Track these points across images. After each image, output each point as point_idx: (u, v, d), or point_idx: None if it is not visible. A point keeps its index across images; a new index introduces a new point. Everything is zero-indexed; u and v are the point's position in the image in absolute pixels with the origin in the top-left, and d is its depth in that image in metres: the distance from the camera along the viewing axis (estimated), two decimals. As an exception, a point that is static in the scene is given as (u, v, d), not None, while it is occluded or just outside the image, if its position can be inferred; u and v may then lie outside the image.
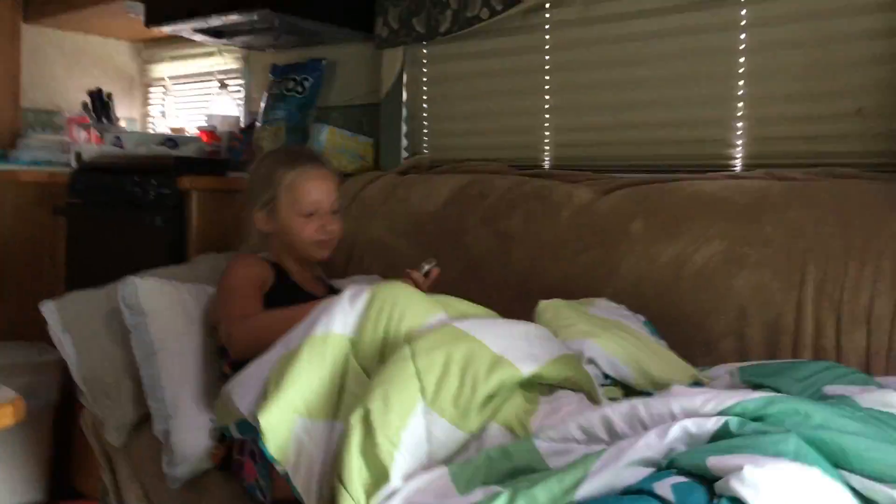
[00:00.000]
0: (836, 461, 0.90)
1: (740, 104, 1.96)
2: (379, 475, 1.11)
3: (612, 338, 1.48)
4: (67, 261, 2.74)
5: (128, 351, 1.91)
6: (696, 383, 1.47)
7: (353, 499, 1.10)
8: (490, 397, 1.22)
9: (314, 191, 1.82)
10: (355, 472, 1.11)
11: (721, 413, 0.97)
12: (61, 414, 2.79)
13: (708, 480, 0.88)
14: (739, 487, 0.82)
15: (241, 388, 1.41)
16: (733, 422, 0.94)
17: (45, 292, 2.91)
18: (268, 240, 1.88)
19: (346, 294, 1.41)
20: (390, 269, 2.28)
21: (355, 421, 1.15)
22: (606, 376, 1.45)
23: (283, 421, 1.27)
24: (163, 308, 1.80)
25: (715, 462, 0.87)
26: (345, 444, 1.13)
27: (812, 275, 1.57)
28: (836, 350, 1.51)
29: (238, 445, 1.60)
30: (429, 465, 1.15)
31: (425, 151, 2.66)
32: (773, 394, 1.01)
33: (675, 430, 0.95)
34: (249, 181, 1.90)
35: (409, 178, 2.46)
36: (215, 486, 1.66)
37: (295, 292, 1.81)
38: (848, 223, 1.58)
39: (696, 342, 1.63)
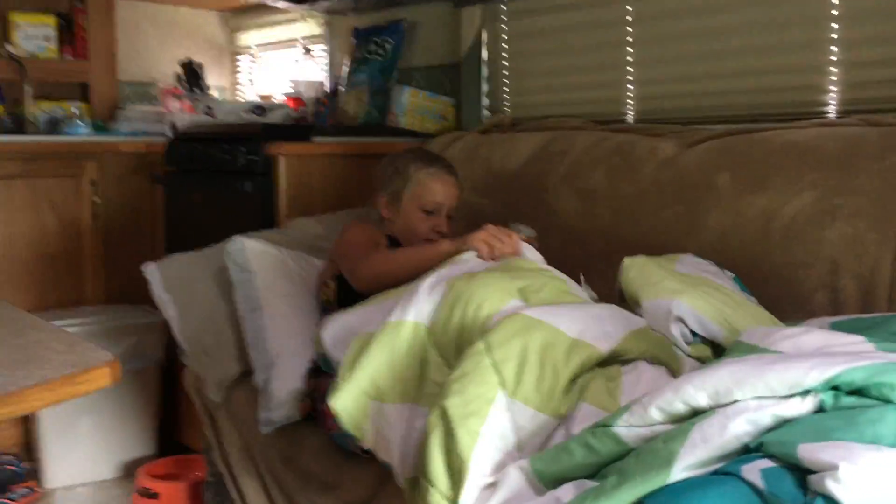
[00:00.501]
0: None
1: (833, 48, 1.87)
2: (461, 470, 1.12)
3: (701, 295, 1.46)
4: (166, 226, 2.85)
5: (227, 309, 2.01)
6: None
7: (440, 493, 1.12)
8: (573, 380, 1.24)
9: (440, 192, 1.92)
10: (440, 468, 1.13)
11: (827, 383, 0.92)
12: (167, 373, 2.93)
13: (798, 467, 0.85)
14: (835, 488, 0.79)
15: (329, 324, 1.51)
16: (828, 402, 0.90)
17: (147, 256, 3.05)
18: (383, 224, 1.97)
19: (425, 283, 1.45)
20: (473, 227, 2.28)
21: (435, 419, 1.17)
22: (694, 334, 1.44)
23: (357, 405, 1.34)
24: (267, 268, 1.91)
25: (806, 454, 0.84)
26: (427, 443, 1.16)
27: (910, 225, 1.51)
28: (935, 302, 1.45)
29: (322, 398, 1.67)
30: (518, 454, 1.16)
31: (506, 110, 2.65)
32: (876, 360, 0.93)
33: (764, 417, 0.91)
34: (382, 169, 2.00)
35: (490, 138, 2.46)
36: (306, 436, 1.74)
37: None
38: (950, 169, 1.51)
39: (787, 297, 1.59)
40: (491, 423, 1.16)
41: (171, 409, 2.96)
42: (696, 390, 0.98)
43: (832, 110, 1.89)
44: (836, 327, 1.34)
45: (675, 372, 1.34)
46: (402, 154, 2.01)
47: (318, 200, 2.39)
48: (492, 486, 1.10)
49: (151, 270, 2.10)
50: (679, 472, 0.90)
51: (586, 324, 1.32)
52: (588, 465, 1.04)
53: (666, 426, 1.00)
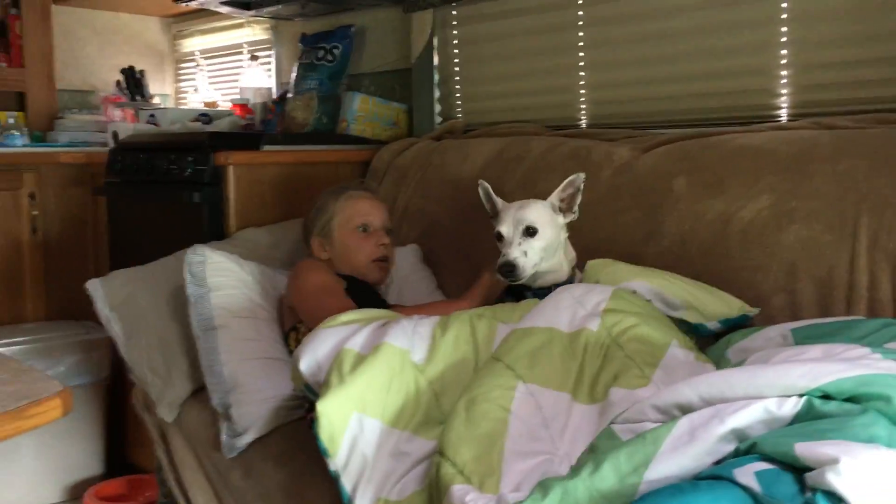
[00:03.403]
0: None
1: (784, 51, 1.89)
2: (492, 441, 1.14)
3: (663, 277, 1.57)
4: (110, 239, 2.76)
5: (177, 327, 1.94)
6: (745, 315, 1.53)
7: (453, 465, 1.11)
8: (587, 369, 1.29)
9: (365, 207, 1.93)
10: (462, 444, 1.13)
11: (817, 389, 0.92)
12: (114, 390, 2.84)
13: (794, 468, 0.83)
14: (836, 481, 0.78)
15: (308, 352, 1.43)
16: (817, 400, 0.90)
17: (90, 271, 2.97)
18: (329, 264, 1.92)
19: (424, 322, 1.45)
20: (428, 236, 2.27)
21: (461, 405, 1.21)
22: None
23: (341, 412, 1.28)
24: (226, 286, 1.84)
25: (804, 450, 0.82)
26: (450, 422, 1.18)
27: (865, 226, 1.52)
28: (892, 303, 1.47)
29: None
30: (546, 436, 1.18)
31: (459, 116, 2.62)
32: (869, 371, 0.94)
33: (755, 411, 0.91)
34: (306, 219, 1.99)
35: (443, 144, 2.44)
36: (269, 447, 1.68)
37: (370, 293, 1.86)
38: (902, 171, 1.53)
39: (746, 300, 1.59)
40: (518, 401, 1.23)
41: (119, 427, 2.88)
42: (691, 390, 0.99)
43: (784, 114, 1.90)
44: (797, 333, 1.35)
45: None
46: (319, 197, 2.00)
47: (269, 210, 2.33)
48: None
49: (95, 287, 2.02)
50: (664, 457, 0.90)
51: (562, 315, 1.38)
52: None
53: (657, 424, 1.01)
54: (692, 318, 1.51)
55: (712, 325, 1.52)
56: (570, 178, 1.68)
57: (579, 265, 1.73)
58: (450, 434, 1.16)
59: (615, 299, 1.42)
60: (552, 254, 1.66)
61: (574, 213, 1.70)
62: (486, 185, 1.74)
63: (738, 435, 0.92)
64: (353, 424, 1.28)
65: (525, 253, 1.60)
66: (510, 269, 1.58)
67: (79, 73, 3.64)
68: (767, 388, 0.94)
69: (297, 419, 1.70)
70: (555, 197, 1.69)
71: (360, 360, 1.34)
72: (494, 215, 1.72)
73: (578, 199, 1.69)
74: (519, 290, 1.68)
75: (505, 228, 1.63)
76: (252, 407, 1.69)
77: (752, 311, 1.56)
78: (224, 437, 1.72)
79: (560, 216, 1.69)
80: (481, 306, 1.61)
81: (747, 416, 0.92)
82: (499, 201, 1.72)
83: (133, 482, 2.57)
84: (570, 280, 1.69)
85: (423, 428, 1.29)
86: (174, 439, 1.98)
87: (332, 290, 1.75)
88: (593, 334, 1.33)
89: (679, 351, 1.33)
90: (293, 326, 1.82)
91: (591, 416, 1.20)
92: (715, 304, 1.54)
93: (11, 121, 3.18)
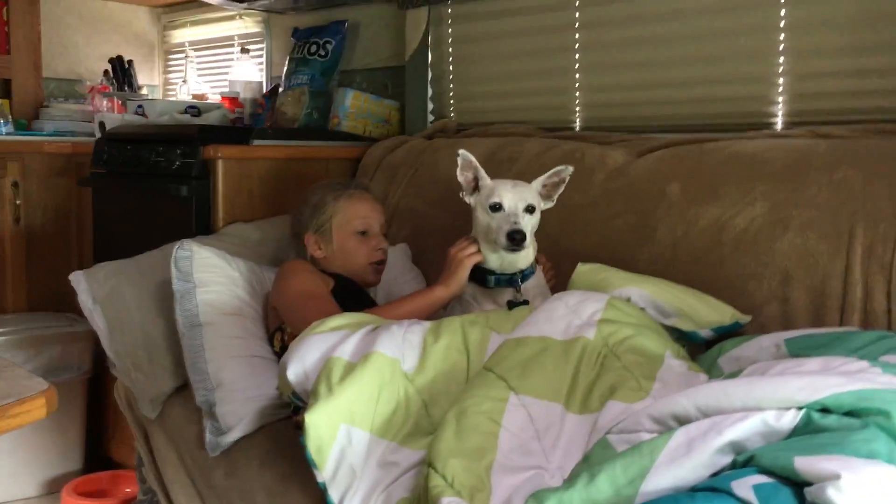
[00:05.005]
0: None
1: (781, 59, 1.88)
2: (482, 455, 1.12)
3: (655, 283, 1.56)
4: (94, 231, 2.72)
5: (162, 321, 1.91)
6: (737, 323, 1.53)
7: (442, 478, 1.09)
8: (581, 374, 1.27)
9: (366, 210, 1.90)
10: (452, 457, 1.11)
11: (817, 403, 0.91)
12: (95, 383, 2.80)
13: (793, 482, 0.82)
14: (837, 497, 0.77)
15: (295, 360, 1.40)
16: (816, 414, 0.88)
17: (73, 263, 2.93)
18: (317, 264, 1.89)
19: (415, 329, 1.42)
20: (418, 236, 2.25)
21: (451, 416, 1.19)
22: None
23: (329, 424, 1.26)
24: (213, 282, 1.81)
25: (803, 464, 0.81)
26: (440, 434, 1.16)
27: (861, 237, 1.52)
28: (886, 315, 1.46)
29: None
30: (538, 448, 1.17)
31: (451, 115, 2.60)
32: (868, 385, 0.93)
33: (754, 423, 0.90)
34: (299, 210, 1.94)
35: (435, 143, 2.41)
36: (254, 447, 1.65)
37: (359, 294, 1.84)
38: (898, 183, 1.52)
39: (738, 308, 1.58)
40: (510, 415, 1.21)
41: (99, 421, 2.84)
42: (688, 401, 0.98)
43: (780, 121, 1.90)
44: (790, 344, 1.34)
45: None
46: (313, 192, 1.95)
47: (257, 205, 2.31)
48: None
49: (78, 279, 1.99)
50: (660, 469, 0.89)
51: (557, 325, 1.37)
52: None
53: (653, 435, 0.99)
54: (685, 325, 1.50)
55: (705, 332, 1.51)
56: (559, 167, 1.70)
57: (568, 270, 1.72)
58: (439, 446, 1.13)
59: (610, 309, 1.40)
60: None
61: (552, 201, 1.72)
62: (469, 154, 1.71)
63: (736, 447, 0.90)
64: (341, 436, 1.25)
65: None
66: (522, 237, 1.58)
67: (66, 61, 3.59)
68: (766, 400, 0.93)
69: (283, 418, 1.68)
70: (539, 182, 1.70)
71: (350, 369, 1.31)
72: (473, 189, 1.72)
73: (560, 190, 1.71)
74: (483, 274, 1.68)
75: (507, 201, 1.63)
76: (237, 405, 1.67)
77: (745, 318, 1.55)
78: (208, 436, 1.69)
79: (541, 202, 1.70)
80: (455, 287, 1.65)
81: (745, 429, 0.90)
82: (484, 174, 1.71)
83: (112, 478, 2.54)
84: (531, 268, 1.70)
85: (412, 438, 1.28)
86: (156, 436, 1.95)
87: (316, 294, 1.73)
88: (590, 342, 1.32)
89: (674, 362, 1.32)
90: (279, 327, 1.79)
91: (585, 427, 1.18)
92: (707, 312, 1.53)
93: (-4, 108, 3.13)
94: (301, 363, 1.38)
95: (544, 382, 1.25)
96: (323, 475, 1.24)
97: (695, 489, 0.87)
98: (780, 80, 1.89)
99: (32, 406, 0.84)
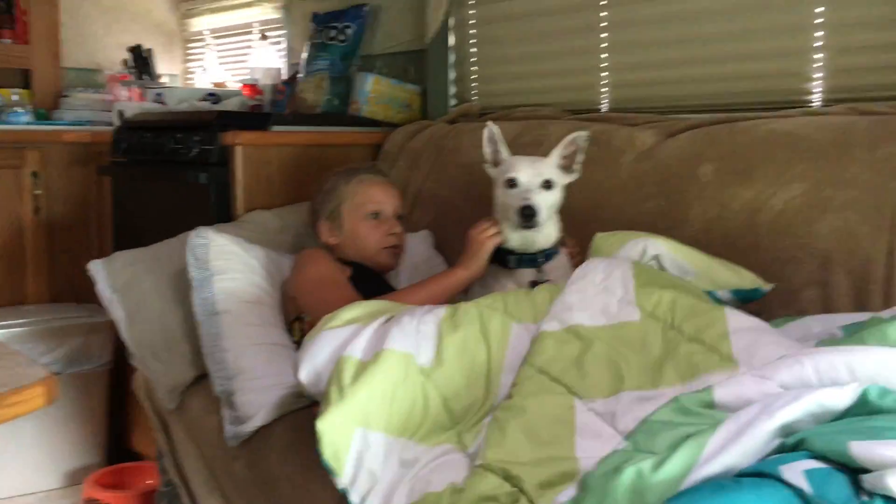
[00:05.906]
0: None
1: (819, 33, 1.81)
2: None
3: (674, 241, 1.52)
4: (113, 220, 2.71)
5: (181, 310, 1.88)
6: (757, 289, 1.47)
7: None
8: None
9: (378, 193, 1.87)
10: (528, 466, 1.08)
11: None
12: (116, 375, 2.79)
13: (847, 467, 0.77)
14: None
15: (306, 359, 1.36)
16: (873, 391, 0.82)
17: (93, 252, 2.92)
18: (333, 254, 1.86)
19: (429, 319, 1.35)
20: (441, 223, 2.20)
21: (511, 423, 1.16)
22: None
23: (343, 429, 1.21)
24: (230, 270, 1.77)
25: (860, 450, 0.76)
26: (500, 440, 1.13)
27: (905, 217, 1.44)
28: (934, 299, 1.39)
29: None
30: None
31: (474, 98, 2.55)
32: None
33: (807, 404, 0.84)
34: (312, 201, 1.93)
35: (458, 127, 2.37)
36: (274, 437, 1.62)
37: (377, 280, 1.80)
38: (945, 159, 1.45)
39: (775, 294, 1.51)
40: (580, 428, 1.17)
41: (120, 413, 2.83)
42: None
43: (817, 98, 1.82)
44: (847, 331, 1.26)
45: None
46: (327, 178, 1.93)
47: (277, 192, 2.27)
48: None
49: (97, 268, 1.96)
50: (709, 456, 0.84)
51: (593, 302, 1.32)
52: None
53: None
54: (703, 284, 1.45)
55: (723, 294, 1.45)
56: (571, 135, 1.64)
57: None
58: (501, 452, 1.10)
59: (639, 275, 1.35)
60: (553, 214, 1.64)
61: (574, 171, 1.66)
62: (495, 127, 1.68)
63: (786, 430, 0.84)
64: (356, 441, 1.20)
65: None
66: (532, 213, 1.54)
67: (85, 51, 3.59)
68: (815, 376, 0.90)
69: (304, 408, 1.64)
70: (556, 155, 1.65)
71: (362, 368, 1.26)
72: (496, 163, 1.68)
73: (580, 158, 1.66)
74: (503, 255, 1.64)
75: (523, 176, 1.59)
76: (256, 394, 1.63)
77: (767, 286, 1.48)
78: (227, 426, 1.66)
79: (564, 175, 1.65)
80: (476, 269, 1.61)
81: (798, 410, 0.84)
82: (505, 149, 1.67)
83: (133, 470, 2.52)
84: (555, 248, 1.65)
85: (432, 434, 1.23)
86: (175, 427, 1.93)
87: (334, 281, 1.69)
88: (638, 327, 1.26)
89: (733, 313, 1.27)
90: (298, 316, 1.75)
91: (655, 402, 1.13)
92: (726, 275, 1.48)
93: (16, 98, 3.13)
94: (312, 363, 1.33)
95: (605, 379, 1.21)
96: (342, 481, 1.19)
97: (741, 474, 0.82)
98: (818, 56, 1.81)
99: (31, 395, 0.80)
